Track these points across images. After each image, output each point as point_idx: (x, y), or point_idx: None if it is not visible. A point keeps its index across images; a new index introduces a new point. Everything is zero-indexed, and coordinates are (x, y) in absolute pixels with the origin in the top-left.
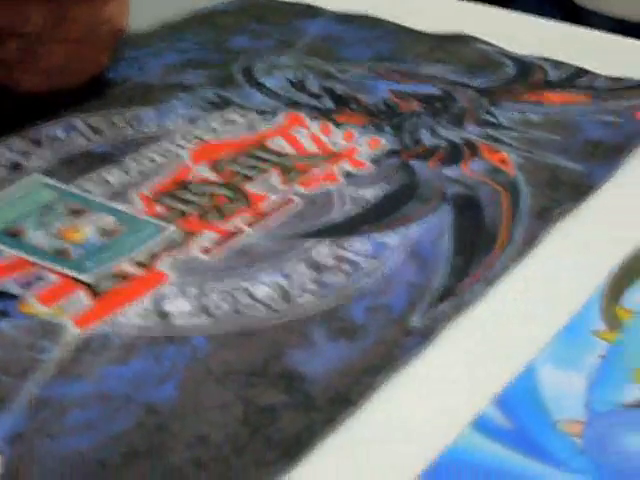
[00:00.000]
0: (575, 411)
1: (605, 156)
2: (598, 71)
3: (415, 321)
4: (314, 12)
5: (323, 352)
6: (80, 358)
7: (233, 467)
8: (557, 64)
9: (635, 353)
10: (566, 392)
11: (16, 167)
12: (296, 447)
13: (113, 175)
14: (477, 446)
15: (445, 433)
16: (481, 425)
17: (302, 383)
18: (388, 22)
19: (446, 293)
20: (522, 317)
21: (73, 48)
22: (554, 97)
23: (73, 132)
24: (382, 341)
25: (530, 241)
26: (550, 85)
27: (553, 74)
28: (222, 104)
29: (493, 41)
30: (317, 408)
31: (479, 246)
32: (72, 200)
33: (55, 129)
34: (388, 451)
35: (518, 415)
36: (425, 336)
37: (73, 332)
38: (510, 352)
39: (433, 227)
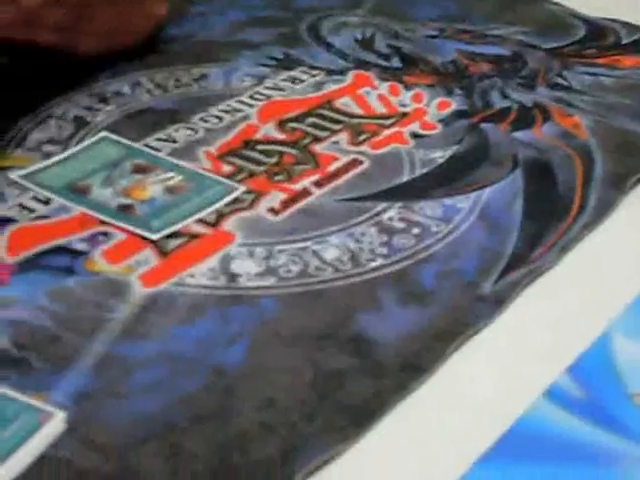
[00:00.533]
0: None
1: None
2: None
3: (487, 287)
4: None
5: (393, 317)
6: (147, 317)
7: (301, 432)
8: (629, 26)
9: None
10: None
11: (82, 123)
12: (365, 413)
13: (179, 132)
14: (549, 416)
15: (517, 402)
16: (554, 395)
17: (371, 348)
18: None
19: (519, 260)
20: (595, 285)
21: (125, 8)
22: (627, 60)
23: (138, 88)
24: (452, 307)
25: (604, 208)
26: (623, 48)
27: (625, 36)
28: (289, 63)
29: (564, 2)
30: (387, 374)
31: (552, 212)
32: (139, 157)
33: (120, 85)
34: (459, 419)
35: (592, 385)
36: (497, 303)
37: (140, 291)
38: (584, 321)
39: (505, 192)
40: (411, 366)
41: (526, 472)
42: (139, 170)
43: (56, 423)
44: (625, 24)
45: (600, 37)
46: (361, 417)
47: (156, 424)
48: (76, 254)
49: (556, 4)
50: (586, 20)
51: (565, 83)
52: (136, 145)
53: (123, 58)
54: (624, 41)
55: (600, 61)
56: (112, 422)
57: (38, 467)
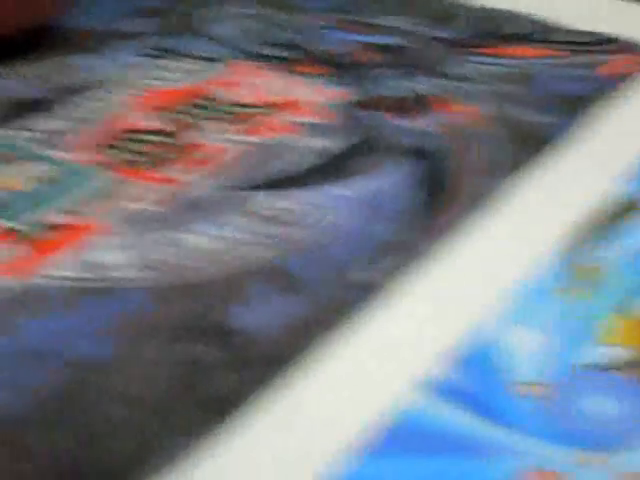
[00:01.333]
0: (532, 373)
1: (567, 110)
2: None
3: (359, 274)
4: None
5: (260, 307)
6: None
7: (158, 427)
8: (514, 17)
9: (596, 312)
10: (523, 353)
11: None
12: (226, 407)
13: (43, 122)
14: (429, 407)
15: (392, 395)
16: (434, 386)
17: (236, 339)
18: None
19: (395, 246)
20: (477, 274)
21: None
22: (512, 51)
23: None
24: (322, 295)
25: (489, 195)
26: (508, 38)
27: (509, 28)
28: (165, 52)
29: None
30: (250, 366)
31: (434, 199)
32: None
33: None
34: (330, 414)
35: (472, 375)
36: (368, 290)
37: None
38: (464, 310)
39: (387, 180)
40: (276, 358)
41: (406, 468)
42: (2, 161)
43: None
44: (511, 15)
45: (486, 28)
46: (222, 411)
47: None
48: None
49: None
50: (474, 10)
51: (451, 72)
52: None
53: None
54: (508, 31)
55: (487, 51)
56: None
57: None
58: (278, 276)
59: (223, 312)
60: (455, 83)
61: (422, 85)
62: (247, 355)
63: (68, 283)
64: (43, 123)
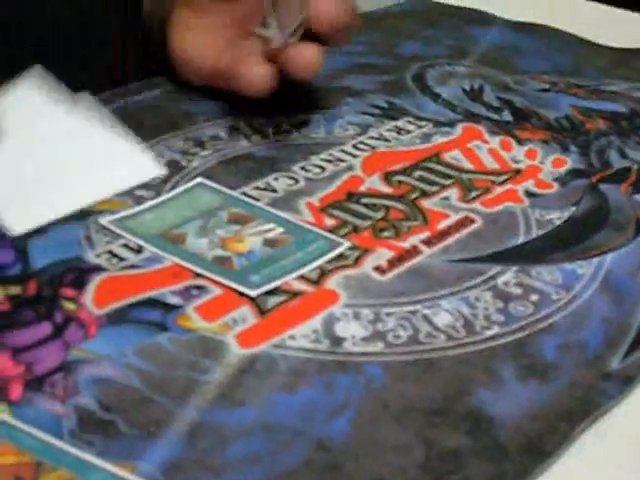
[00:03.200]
0: None
1: None
2: None
3: (615, 363)
4: (488, 19)
5: (512, 392)
6: (244, 382)
7: None
8: None
9: None
10: None
11: (176, 167)
12: None
13: (279, 182)
14: None
15: None
16: None
17: (490, 426)
18: (566, 33)
19: None
20: None
21: None
22: None
23: (235, 133)
24: (577, 383)
25: None
26: None
27: None
28: (394, 112)
29: None
30: (507, 456)
31: None
32: (236, 206)
33: (217, 129)
34: None
35: None
36: (626, 380)
37: (237, 352)
38: None
39: (629, 258)
40: (534, 448)
41: None
42: (236, 220)
43: None
44: None
45: None
46: None
47: None
48: (168, 308)
49: None
50: None
51: None
52: (233, 193)
53: None
54: None
55: None
56: None
57: None
58: (530, 359)
59: (473, 395)
60: None
61: None
62: (501, 444)
63: (306, 355)
64: (281, 183)
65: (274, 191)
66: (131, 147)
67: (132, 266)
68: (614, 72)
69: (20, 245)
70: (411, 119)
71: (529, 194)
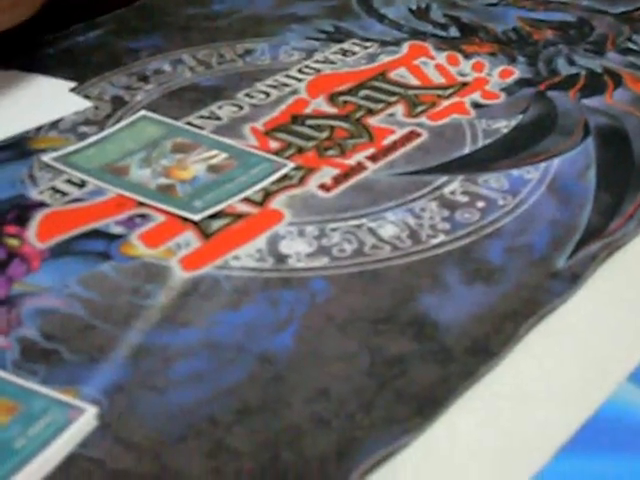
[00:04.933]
0: None
1: None
2: None
3: (561, 262)
4: None
5: (458, 296)
6: (187, 303)
7: (359, 424)
8: None
9: None
10: None
11: (120, 102)
12: (430, 402)
13: (223, 109)
14: (636, 401)
15: (598, 388)
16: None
17: (435, 330)
18: None
19: (594, 232)
20: None
21: None
22: None
23: (180, 66)
24: (524, 285)
25: None
26: None
27: None
28: (339, 35)
29: None
30: (453, 359)
31: (628, 182)
32: (180, 136)
33: (161, 63)
34: (533, 408)
35: None
36: (573, 279)
37: (180, 275)
38: None
39: (577, 161)
40: (480, 349)
41: (611, 463)
42: (180, 149)
43: (87, 419)
44: None
45: None
46: (425, 406)
47: (197, 419)
48: (112, 238)
49: None
50: None
51: (636, 47)
52: (177, 123)
53: None
54: None
55: None
56: (148, 418)
57: (67, 467)
58: (476, 264)
59: (418, 302)
60: None
61: (613, 62)
62: (446, 347)
63: (250, 274)
64: (225, 111)
65: (218, 119)
66: (53, 83)
67: (75, 200)
68: None
69: None
70: (357, 41)
71: (476, 105)
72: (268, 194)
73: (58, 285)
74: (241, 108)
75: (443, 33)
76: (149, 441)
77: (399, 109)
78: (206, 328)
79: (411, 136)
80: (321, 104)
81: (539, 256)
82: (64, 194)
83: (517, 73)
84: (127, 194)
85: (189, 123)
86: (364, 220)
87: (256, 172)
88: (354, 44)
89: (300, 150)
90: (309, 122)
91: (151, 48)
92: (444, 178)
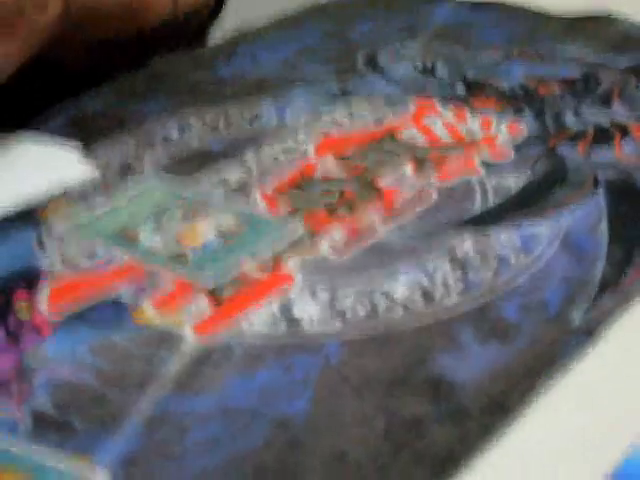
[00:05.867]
0: None
1: None
2: None
3: (576, 318)
4: None
5: (472, 356)
6: (201, 370)
7: None
8: None
9: None
10: None
11: (128, 169)
12: (448, 462)
13: (231, 173)
14: None
15: (617, 445)
16: None
17: (451, 391)
18: (520, 7)
19: (609, 287)
20: None
21: None
22: None
23: (186, 129)
24: (539, 341)
25: None
26: None
27: None
28: (346, 97)
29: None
30: (470, 418)
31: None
32: (189, 201)
33: (168, 128)
34: (552, 465)
35: None
36: (588, 334)
37: (193, 342)
38: None
39: (587, 215)
40: (496, 406)
41: None
42: (190, 215)
43: None
44: None
45: None
46: (443, 467)
47: None
48: (123, 306)
49: (628, 21)
50: None
51: None
52: (186, 189)
53: None
54: None
55: None
56: None
57: None
58: (490, 323)
59: (433, 363)
60: None
61: (620, 115)
62: (462, 406)
63: (263, 340)
64: (231, 174)
65: (227, 183)
66: (60, 150)
67: (86, 269)
68: (568, 38)
69: None
70: (363, 102)
71: (485, 164)
72: (279, 258)
73: (69, 355)
74: (250, 172)
75: (449, 91)
76: None
77: (407, 169)
78: (220, 395)
79: (421, 196)
80: (329, 167)
81: (554, 313)
82: (74, 263)
83: (525, 129)
84: (138, 261)
85: (197, 188)
86: (376, 282)
87: (266, 236)
88: (360, 104)
89: (310, 213)
90: (318, 185)
91: (158, 112)
92: (456, 238)
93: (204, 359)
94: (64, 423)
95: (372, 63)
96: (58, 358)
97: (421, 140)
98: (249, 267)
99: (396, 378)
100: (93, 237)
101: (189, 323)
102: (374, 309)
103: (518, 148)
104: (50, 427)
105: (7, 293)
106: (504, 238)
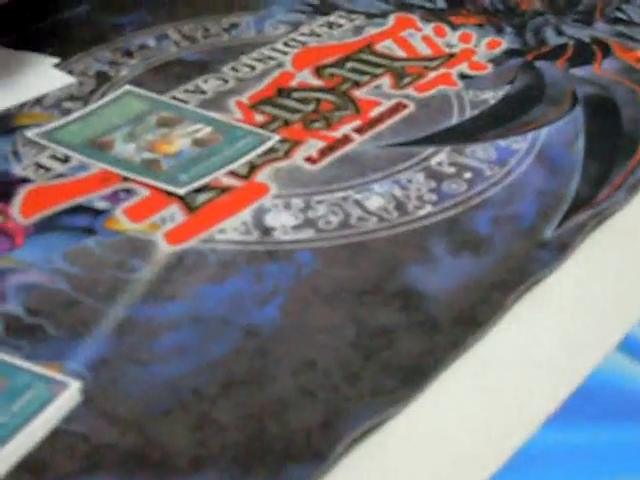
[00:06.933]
0: None
1: None
2: None
3: (548, 232)
4: None
5: (444, 267)
6: (173, 277)
7: (345, 396)
8: None
9: None
10: None
11: (104, 78)
12: (416, 373)
13: (208, 83)
14: (625, 371)
15: (586, 357)
16: (629, 346)
17: (421, 301)
18: None
19: (583, 202)
20: None
21: None
22: None
23: (165, 41)
24: (511, 254)
25: None
26: None
27: None
28: (325, 8)
29: None
30: (439, 329)
31: (617, 150)
32: (164, 110)
33: (146, 38)
34: (521, 378)
35: None
36: (560, 248)
37: (165, 249)
38: None
39: (565, 131)
40: (466, 320)
41: (600, 432)
42: (165, 123)
43: (71, 394)
44: None
45: None
46: (411, 377)
47: (182, 392)
48: (96, 213)
49: None
50: None
51: (625, 17)
52: (162, 98)
53: None
54: None
55: None
56: (133, 392)
57: (51, 442)
58: (463, 235)
59: (404, 273)
60: (635, 28)
61: (602, 32)
62: (433, 318)
63: (235, 247)
64: (210, 85)
65: (203, 93)
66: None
67: (59, 175)
68: None
69: None
70: (343, 13)
71: (463, 77)
72: (253, 167)
73: (42, 260)
74: (226, 82)
75: (430, 4)
76: (133, 415)
77: (385, 81)
78: (191, 302)
79: (398, 108)
80: (307, 77)
81: (527, 226)
82: (48, 170)
83: (504, 43)
84: (111, 169)
85: (174, 97)
86: (350, 192)
87: (241, 145)
88: (340, 17)
89: (286, 123)
90: (295, 95)
91: (136, 23)
92: (431, 149)
93: (175, 266)
94: (36, 327)
95: None
96: (31, 264)
97: (400, 53)
98: (223, 176)
99: (367, 288)
100: (67, 144)
101: (161, 230)
102: (347, 218)
103: (497, 61)
104: (22, 331)
105: None
106: (479, 151)
